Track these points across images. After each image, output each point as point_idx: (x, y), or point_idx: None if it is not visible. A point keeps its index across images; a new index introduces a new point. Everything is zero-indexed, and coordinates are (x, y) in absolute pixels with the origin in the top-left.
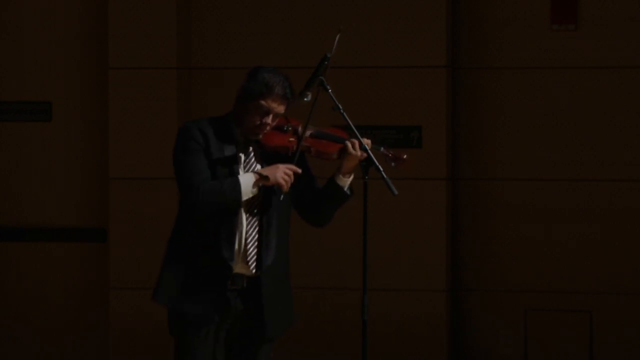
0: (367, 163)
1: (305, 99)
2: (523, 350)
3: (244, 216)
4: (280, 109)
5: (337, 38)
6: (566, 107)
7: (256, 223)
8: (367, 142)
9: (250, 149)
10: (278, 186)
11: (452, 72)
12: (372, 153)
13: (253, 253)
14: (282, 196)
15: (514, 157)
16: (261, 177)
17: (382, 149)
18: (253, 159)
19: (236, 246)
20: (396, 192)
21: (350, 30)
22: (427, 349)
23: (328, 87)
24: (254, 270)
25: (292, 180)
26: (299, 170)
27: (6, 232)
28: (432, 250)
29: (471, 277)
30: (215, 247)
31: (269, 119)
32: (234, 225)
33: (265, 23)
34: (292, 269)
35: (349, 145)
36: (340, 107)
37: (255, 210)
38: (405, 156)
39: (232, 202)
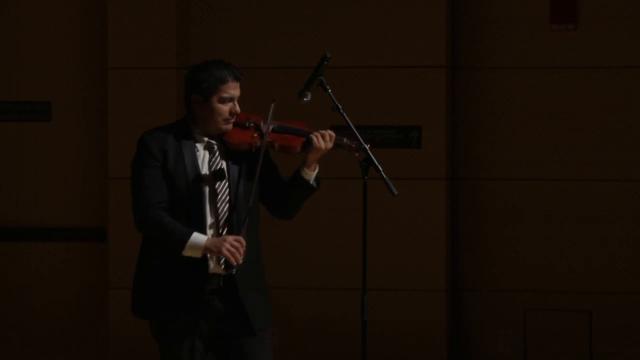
0: (366, 163)
1: (305, 99)
2: (523, 350)
3: (214, 217)
4: (238, 91)
5: (272, 107)
6: (566, 107)
7: (226, 224)
8: (331, 134)
9: (215, 147)
10: (226, 259)
11: (452, 72)
12: (334, 145)
13: None
14: (234, 270)
15: (513, 157)
16: (208, 249)
17: (344, 139)
18: (218, 158)
19: None
20: (396, 192)
21: (350, 30)
22: (427, 349)
23: (328, 87)
24: (224, 269)
25: (241, 252)
26: (244, 242)
27: (6, 232)
28: (432, 250)
29: (471, 277)
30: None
31: (236, 106)
32: (204, 226)
33: (265, 23)
34: (292, 270)
35: (314, 138)
36: (340, 107)
37: (225, 209)
38: (368, 145)
39: (172, 248)
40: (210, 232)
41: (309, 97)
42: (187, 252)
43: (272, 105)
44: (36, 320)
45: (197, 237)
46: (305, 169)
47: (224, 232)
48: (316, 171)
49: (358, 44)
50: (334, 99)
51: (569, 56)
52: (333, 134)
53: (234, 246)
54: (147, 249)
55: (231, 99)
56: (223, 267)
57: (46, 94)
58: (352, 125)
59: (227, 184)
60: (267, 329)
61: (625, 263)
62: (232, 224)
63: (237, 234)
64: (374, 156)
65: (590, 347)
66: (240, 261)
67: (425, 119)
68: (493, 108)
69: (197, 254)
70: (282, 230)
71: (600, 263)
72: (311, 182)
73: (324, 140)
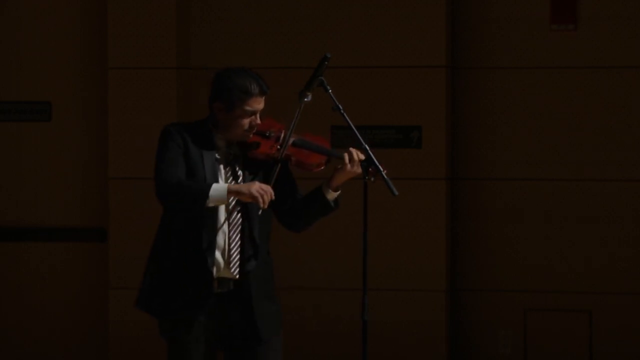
0: (367, 163)
1: (306, 99)
2: (523, 350)
3: (226, 222)
4: (262, 104)
5: (294, 121)
6: (566, 107)
7: (239, 228)
8: (360, 157)
9: (233, 154)
10: (255, 202)
11: (452, 72)
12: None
13: (236, 259)
14: (260, 211)
15: (513, 157)
16: (235, 191)
17: (369, 167)
18: (235, 164)
19: (218, 251)
20: (396, 193)
21: (350, 30)
22: (427, 349)
23: (328, 87)
24: (237, 276)
25: (269, 198)
26: (272, 191)
27: (6, 232)
28: (432, 250)
29: (471, 277)
30: (198, 252)
31: (257, 119)
32: (216, 230)
33: (265, 23)
34: (293, 270)
35: (347, 159)
36: (341, 108)
37: (238, 216)
38: (385, 172)
39: (195, 204)
40: (221, 238)
41: (310, 97)
42: (212, 202)
43: (295, 120)
44: (36, 320)
45: (218, 185)
46: (329, 189)
47: (237, 238)
48: (339, 192)
49: (358, 44)
50: (335, 99)
51: (569, 56)
52: (362, 157)
53: (263, 189)
54: (157, 251)
55: (253, 113)
56: (235, 272)
57: (46, 94)
58: (352, 126)
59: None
60: (278, 334)
61: (625, 263)
62: (244, 231)
63: (250, 238)
64: (375, 156)
65: (590, 347)
66: (267, 206)
67: (425, 119)
68: (493, 108)
69: (223, 201)
70: (281, 231)
71: (600, 263)
72: (331, 202)
73: (356, 165)
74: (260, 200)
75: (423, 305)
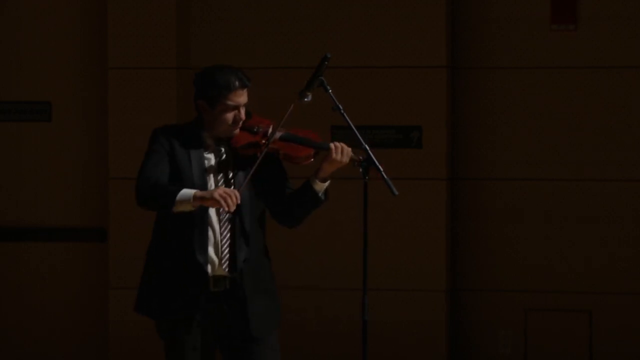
0: (367, 163)
1: (306, 99)
2: (523, 350)
3: (216, 219)
4: (245, 98)
5: (287, 113)
6: (566, 107)
7: (229, 226)
8: (348, 149)
9: (222, 150)
10: (218, 206)
11: (452, 72)
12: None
13: (227, 256)
14: (227, 214)
15: (513, 157)
16: (200, 197)
17: (358, 156)
18: (226, 161)
19: (211, 249)
20: (396, 192)
21: (350, 30)
22: (427, 349)
23: (328, 87)
24: (227, 272)
25: (234, 201)
26: (238, 194)
27: (6, 232)
28: (432, 250)
29: (471, 277)
30: (190, 251)
31: (241, 113)
32: (206, 228)
33: (265, 23)
34: (292, 269)
35: (333, 150)
36: (341, 108)
37: (228, 214)
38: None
39: (163, 207)
40: (212, 236)
41: (310, 97)
42: (178, 207)
43: (289, 111)
44: (36, 320)
45: (185, 190)
46: (317, 180)
47: (227, 235)
48: (327, 183)
49: (358, 44)
50: (335, 99)
51: (569, 56)
52: (350, 150)
53: (226, 192)
54: (153, 251)
55: (236, 108)
56: (227, 270)
57: (46, 94)
58: (352, 126)
59: (231, 188)
60: (275, 332)
61: (625, 263)
62: (234, 227)
63: (242, 232)
64: (375, 156)
65: (590, 347)
66: (233, 208)
67: (425, 119)
68: (493, 108)
69: (188, 207)
70: (281, 230)
71: (600, 263)
72: (320, 194)
73: (342, 154)
74: (224, 203)
75: (423, 305)
